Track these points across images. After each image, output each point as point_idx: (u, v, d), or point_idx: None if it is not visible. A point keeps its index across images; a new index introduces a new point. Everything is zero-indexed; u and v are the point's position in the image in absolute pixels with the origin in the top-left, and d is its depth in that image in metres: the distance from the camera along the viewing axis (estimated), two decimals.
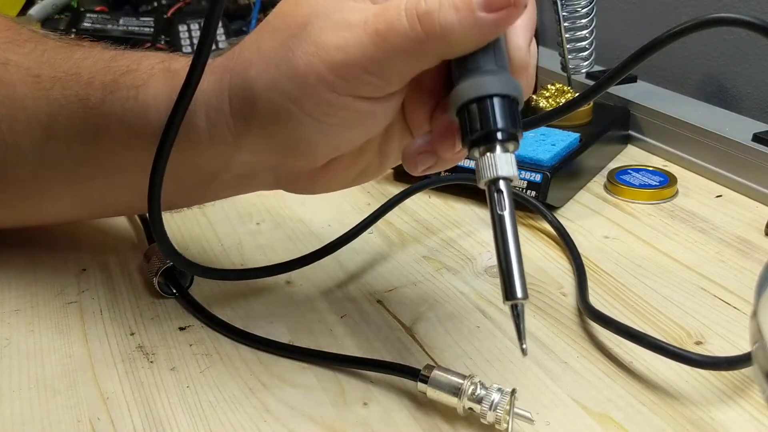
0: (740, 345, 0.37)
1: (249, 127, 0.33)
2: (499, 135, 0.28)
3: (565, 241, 0.46)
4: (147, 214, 0.38)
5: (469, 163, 0.52)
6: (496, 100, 0.28)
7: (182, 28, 0.85)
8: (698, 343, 0.38)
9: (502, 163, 0.27)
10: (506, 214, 0.27)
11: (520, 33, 0.30)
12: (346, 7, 0.30)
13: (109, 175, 0.39)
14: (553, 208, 0.51)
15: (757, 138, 0.54)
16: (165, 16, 0.88)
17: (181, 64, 0.36)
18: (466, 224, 0.50)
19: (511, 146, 0.28)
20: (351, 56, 0.29)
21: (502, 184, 0.27)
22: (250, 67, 0.32)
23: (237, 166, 0.36)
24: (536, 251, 0.47)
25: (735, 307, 0.41)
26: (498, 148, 0.28)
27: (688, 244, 0.48)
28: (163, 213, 0.34)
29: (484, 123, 0.28)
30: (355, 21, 0.30)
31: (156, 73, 0.36)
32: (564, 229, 0.47)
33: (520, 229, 0.49)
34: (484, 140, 0.28)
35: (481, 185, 0.28)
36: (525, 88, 0.31)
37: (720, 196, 0.54)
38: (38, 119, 0.38)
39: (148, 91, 0.35)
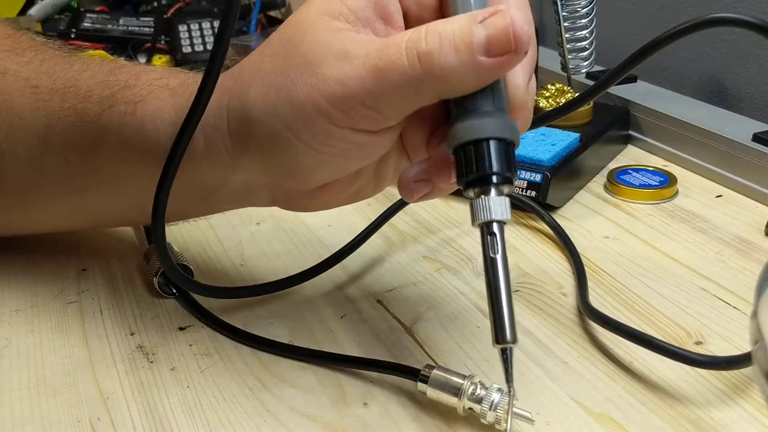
0: (740, 345, 0.37)
1: (246, 149, 0.33)
2: (494, 178, 0.28)
3: (563, 242, 0.46)
4: (143, 226, 0.39)
5: None
6: (492, 144, 0.28)
7: (182, 28, 0.85)
8: (698, 343, 0.38)
9: (495, 206, 0.28)
10: (498, 257, 0.28)
11: (519, 72, 0.30)
12: (348, 39, 0.30)
13: (106, 187, 0.39)
14: (553, 208, 0.51)
15: (757, 138, 0.54)
16: (165, 16, 0.88)
17: (179, 80, 0.36)
18: (466, 224, 0.50)
19: (505, 189, 0.29)
20: (350, 90, 0.29)
21: (495, 227, 0.28)
22: (249, 89, 0.32)
23: (234, 183, 0.36)
24: (536, 251, 0.47)
25: (735, 307, 0.41)
26: (492, 191, 0.28)
27: (688, 244, 0.48)
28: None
29: (480, 166, 0.28)
30: (355, 54, 0.29)
31: (154, 90, 0.36)
32: (562, 229, 0.47)
33: (520, 229, 0.49)
34: (479, 183, 0.28)
35: (474, 226, 0.29)
36: (522, 126, 0.31)
37: (720, 196, 0.54)
38: (36, 130, 0.38)
39: (146, 108, 0.35)
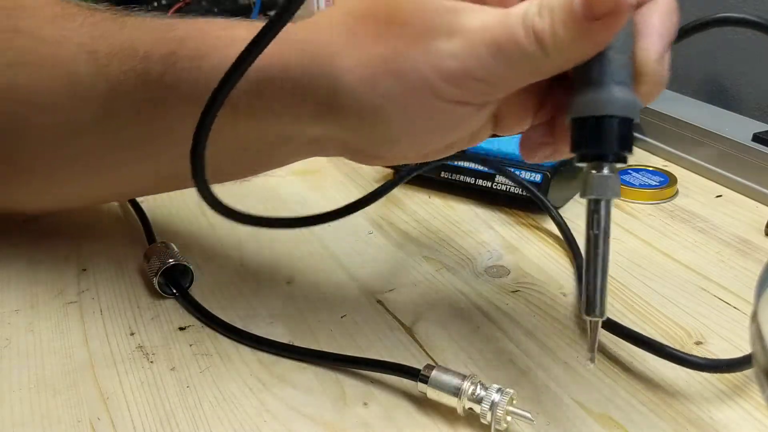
0: (740, 345, 0.37)
1: (331, 115, 0.32)
2: (611, 157, 0.28)
3: (567, 240, 0.46)
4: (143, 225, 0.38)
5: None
6: (610, 121, 0.28)
7: None
8: (698, 343, 0.38)
9: (604, 183, 0.28)
10: (600, 234, 0.28)
11: (650, 40, 0.29)
12: (458, 8, 0.29)
13: (174, 148, 0.38)
14: (558, 206, 0.51)
15: (757, 138, 0.54)
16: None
17: (245, 32, 0.34)
18: (466, 224, 0.50)
19: (617, 166, 0.29)
20: (466, 65, 0.29)
21: (602, 205, 0.28)
22: (340, 55, 0.30)
23: (304, 137, 0.35)
24: (536, 251, 0.47)
25: (735, 307, 0.41)
26: (605, 168, 0.28)
27: (688, 244, 0.48)
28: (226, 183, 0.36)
29: (595, 142, 0.28)
30: (470, 27, 0.28)
31: (220, 42, 0.34)
32: (567, 226, 0.47)
33: (520, 229, 0.49)
34: (593, 158, 0.29)
35: (583, 198, 0.29)
36: (647, 96, 0.30)
37: (720, 196, 0.54)
38: (97, 95, 0.37)
39: (213, 61, 0.34)
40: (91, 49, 0.37)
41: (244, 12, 0.93)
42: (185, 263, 0.41)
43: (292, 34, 0.32)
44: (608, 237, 0.28)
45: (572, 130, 0.29)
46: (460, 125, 0.32)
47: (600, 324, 0.29)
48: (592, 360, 0.29)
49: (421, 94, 0.30)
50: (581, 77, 0.29)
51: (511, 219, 0.51)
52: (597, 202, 0.28)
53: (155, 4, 0.91)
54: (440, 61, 0.29)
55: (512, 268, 0.45)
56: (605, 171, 0.28)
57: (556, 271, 0.44)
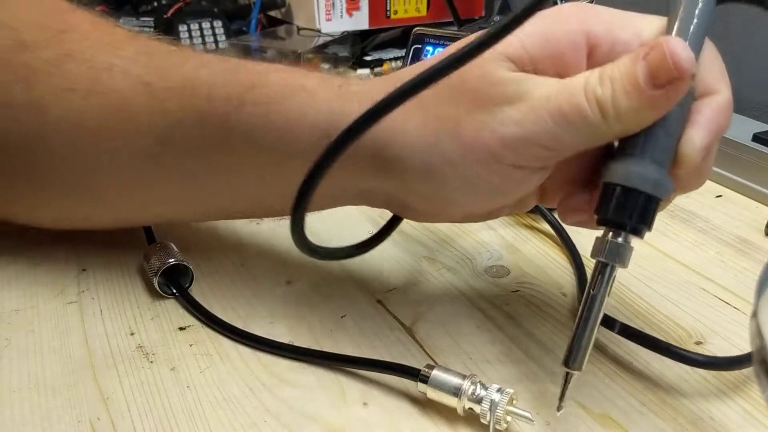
0: (740, 345, 0.37)
1: (387, 171, 0.33)
2: (628, 227, 0.29)
3: (563, 241, 0.46)
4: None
5: None
6: (637, 194, 0.29)
7: (182, 28, 0.85)
8: (698, 343, 0.38)
9: (616, 250, 0.30)
10: (598, 296, 0.30)
11: (697, 130, 0.30)
12: (523, 78, 0.30)
13: (228, 185, 0.38)
14: (553, 209, 0.51)
15: (757, 138, 0.54)
16: (165, 16, 0.88)
17: (315, 82, 0.35)
18: (466, 225, 0.50)
19: (633, 239, 0.30)
20: (529, 132, 0.30)
21: (607, 270, 0.30)
22: (400, 114, 0.30)
23: (358, 188, 0.36)
24: (536, 251, 0.47)
25: (735, 307, 0.41)
26: (621, 237, 0.30)
27: (688, 244, 0.48)
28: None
29: (618, 210, 0.29)
30: (534, 95, 0.30)
31: (287, 92, 0.35)
32: (562, 228, 0.47)
33: (520, 229, 0.49)
34: (614, 225, 0.30)
35: (591, 258, 0.30)
36: (683, 185, 0.32)
37: (720, 196, 0.54)
38: (152, 130, 0.37)
39: (280, 110, 0.34)
40: (146, 81, 0.37)
41: (243, 12, 0.93)
42: (185, 263, 0.41)
43: (359, 89, 0.34)
44: (604, 300, 0.30)
45: (601, 193, 0.30)
46: (514, 189, 0.33)
47: (575, 377, 0.30)
48: (559, 408, 0.31)
49: (481, 157, 0.31)
50: (624, 146, 0.30)
51: (511, 219, 0.51)
52: (605, 265, 0.30)
53: (155, 4, 0.91)
54: (503, 127, 0.30)
55: (512, 268, 0.45)
56: (620, 239, 0.30)
57: (555, 271, 0.44)
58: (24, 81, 0.38)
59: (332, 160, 0.29)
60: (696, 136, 0.30)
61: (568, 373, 0.30)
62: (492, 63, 0.30)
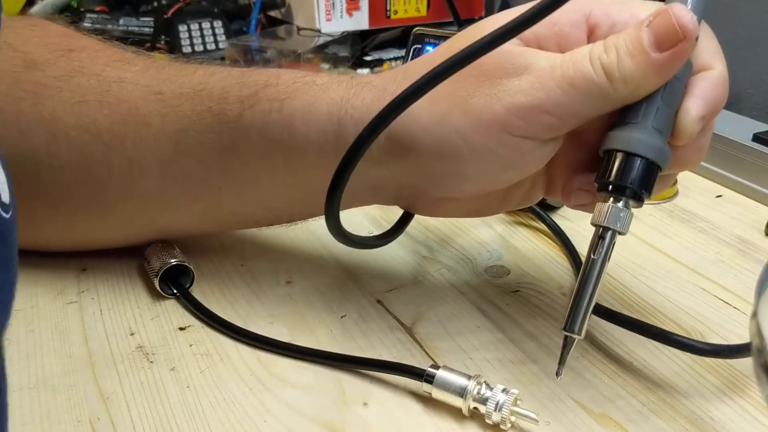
0: None
1: (403, 153, 0.34)
2: (629, 192, 0.30)
3: (562, 242, 0.46)
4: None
5: None
6: (639, 160, 0.30)
7: (182, 28, 0.85)
8: None
9: (616, 215, 0.30)
10: (598, 261, 0.30)
11: (694, 101, 0.31)
12: (528, 52, 0.32)
13: (240, 188, 0.39)
14: (553, 209, 0.51)
15: (757, 138, 0.54)
16: (165, 16, 0.88)
17: (325, 79, 0.36)
18: (466, 224, 0.50)
19: (633, 204, 0.30)
20: (536, 100, 0.31)
21: (608, 235, 0.30)
22: None
23: (370, 180, 0.36)
24: (536, 251, 0.47)
25: (735, 307, 0.41)
26: (622, 202, 0.30)
27: (688, 244, 0.48)
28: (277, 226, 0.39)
29: (622, 176, 0.30)
30: (539, 66, 0.31)
31: (301, 87, 0.36)
32: (560, 229, 0.47)
33: (520, 229, 0.49)
34: (614, 190, 0.30)
35: (591, 224, 0.31)
36: (682, 160, 0.32)
37: (720, 196, 0.54)
38: (166, 135, 0.37)
39: (294, 104, 0.35)
40: (157, 90, 0.38)
41: (243, 12, 0.93)
42: (185, 263, 0.41)
43: (370, 81, 0.35)
44: (605, 266, 0.30)
45: (601, 161, 0.31)
46: (524, 162, 0.33)
47: (575, 342, 0.31)
48: (558, 373, 0.31)
49: (491, 128, 0.32)
50: (625, 116, 0.31)
51: (511, 219, 0.51)
52: (605, 230, 0.30)
53: (155, 4, 0.91)
54: (511, 97, 0.31)
55: (512, 268, 0.45)
56: (620, 204, 0.30)
57: (556, 271, 0.44)
58: (34, 97, 0.38)
59: (369, 140, 0.31)
60: (693, 107, 0.31)
61: (567, 338, 0.31)
62: None
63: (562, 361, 0.31)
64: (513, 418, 0.31)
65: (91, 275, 0.44)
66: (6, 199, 0.23)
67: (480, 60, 0.30)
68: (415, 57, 0.56)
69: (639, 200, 0.30)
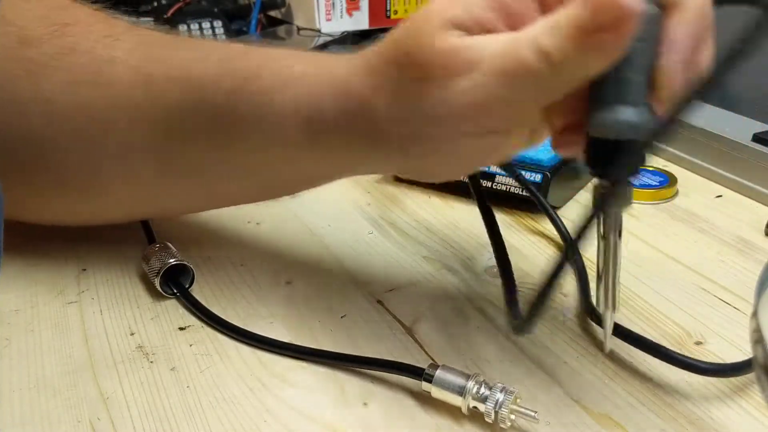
0: (740, 345, 0.37)
1: (372, 145, 0.34)
2: (615, 176, 0.29)
3: (565, 241, 0.46)
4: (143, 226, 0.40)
5: None
6: (615, 144, 0.28)
7: (182, 27, 0.85)
8: (698, 343, 0.38)
9: (614, 198, 0.30)
10: (611, 241, 0.31)
11: (669, 55, 0.28)
12: (473, 45, 0.29)
13: (234, 173, 0.39)
14: (553, 209, 0.51)
15: (757, 138, 0.54)
16: (165, 16, 0.88)
17: (311, 68, 0.35)
18: (466, 224, 0.50)
19: (627, 179, 0.30)
20: (477, 100, 0.29)
21: (612, 215, 0.31)
22: (377, 91, 0.32)
23: (355, 161, 0.36)
24: (536, 251, 0.47)
25: (735, 307, 0.41)
26: (612, 185, 0.30)
27: (688, 244, 0.48)
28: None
29: (601, 164, 0.30)
30: (485, 60, 0.29)
31: (284, 78, 0.35)
32: (566, 228, 0.47)
33: (520, 229, 0.49)
34: (602, 176, 0.30)
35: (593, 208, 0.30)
36: (664, 96, 0.28)
37: (720, 196, 0.54)
38: (156, 122, 0.38)
39: (284, 97, 0.35)
40: (147, 72, 0.38)
41: (243, 12, 0.93)
42: (185, 263, 0.41)
43: (339, 73, 0.34)
44: (619, 243, 0.31)
45: (587, 145, 0.30)
46: (494, 150, 0.33)
47: (613, 317, 0.32)
48: (605, 349, 0.34)
49: (447, 131, 0.31)
50: (593, 94, 0.29)
51: (511, 219, 0.51)
52: (606, 213, 0.31)
53: (155, 4, 0.91)
54: (454, 99, 0.29)
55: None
56: (611, 186, 0.30)
57: None
58: (30, 76, 0.38)
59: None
60: (667, 64, 0.28)
61: (604, 314, 0.32)
62: (438, 33, 0.30)
63: (608, 337, 0.33)
64: (513, 417, 0.31)
65: (91, 275, 0.44)
66: None
67: (423, 59, 0.29)
68: None
69: (629, 177, 0.30)
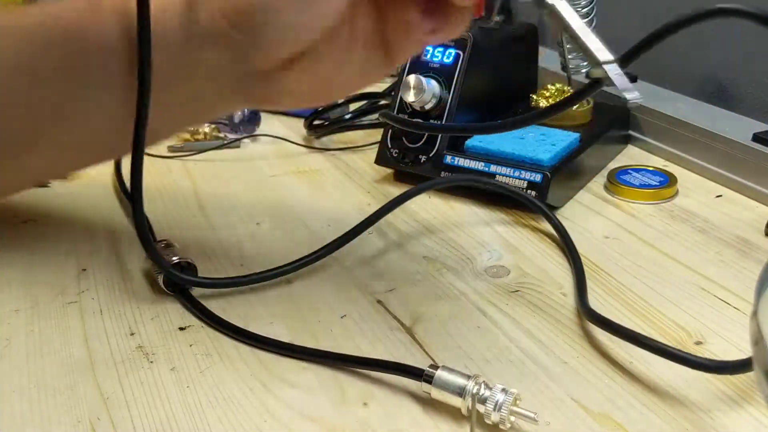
0: (740, 345, 0.37)
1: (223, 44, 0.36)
2: None
3: (565, 242, 0.46)
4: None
5: (469, 164, 0.52)
6: None
7: None
8: (698, 343, 0.38)
9: None
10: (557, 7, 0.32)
11: None
12: None
13: (90, 117, 0.39)
14: (553, 208, 0.51)
15: (757, 138, 0.54)
16: None
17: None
18: (466, 224, 0.50)
19: None
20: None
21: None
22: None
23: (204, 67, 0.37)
24: (536, 251, 0.47)
25: (735, 307, 0.41)
26: None
27: (688, 244, 0.48)
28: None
29: None
30: None
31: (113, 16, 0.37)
32: (564, 229, 0.47)
33: (520, 229, 0.49)
34: None
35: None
36: None
37: (720, 196, 0.54)
38: (18, 64, 0.38)
39: (112, 34, 0.37)
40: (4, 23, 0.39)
41: None
42: (188, 260, 0.41)
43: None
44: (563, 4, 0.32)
45: None
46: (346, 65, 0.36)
47: (618, 65, 0.32)
48: (632, 92, 0.33)
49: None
50: None
51: (511, 219, 0.51)
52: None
53: None
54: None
55: (512, 268, 0.45)
56: None
57: (555, 271, 0.44)
58: None
59: None
60: None
61: (614, 64, 0.32)
62: None
63: (624, 90, 0.33)
64: (512, 418, 0.31)
65: (91, 275, 0.44)
66: None
67: None
68: (413, 60, 0.56)
69: None
